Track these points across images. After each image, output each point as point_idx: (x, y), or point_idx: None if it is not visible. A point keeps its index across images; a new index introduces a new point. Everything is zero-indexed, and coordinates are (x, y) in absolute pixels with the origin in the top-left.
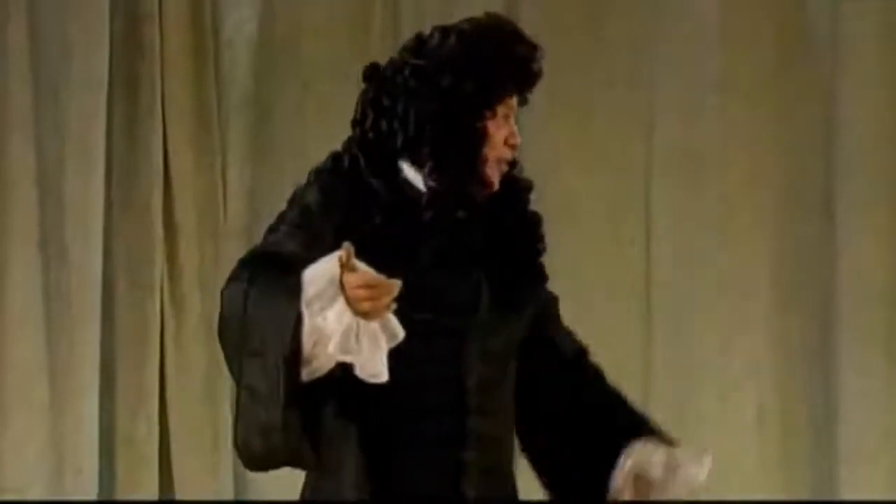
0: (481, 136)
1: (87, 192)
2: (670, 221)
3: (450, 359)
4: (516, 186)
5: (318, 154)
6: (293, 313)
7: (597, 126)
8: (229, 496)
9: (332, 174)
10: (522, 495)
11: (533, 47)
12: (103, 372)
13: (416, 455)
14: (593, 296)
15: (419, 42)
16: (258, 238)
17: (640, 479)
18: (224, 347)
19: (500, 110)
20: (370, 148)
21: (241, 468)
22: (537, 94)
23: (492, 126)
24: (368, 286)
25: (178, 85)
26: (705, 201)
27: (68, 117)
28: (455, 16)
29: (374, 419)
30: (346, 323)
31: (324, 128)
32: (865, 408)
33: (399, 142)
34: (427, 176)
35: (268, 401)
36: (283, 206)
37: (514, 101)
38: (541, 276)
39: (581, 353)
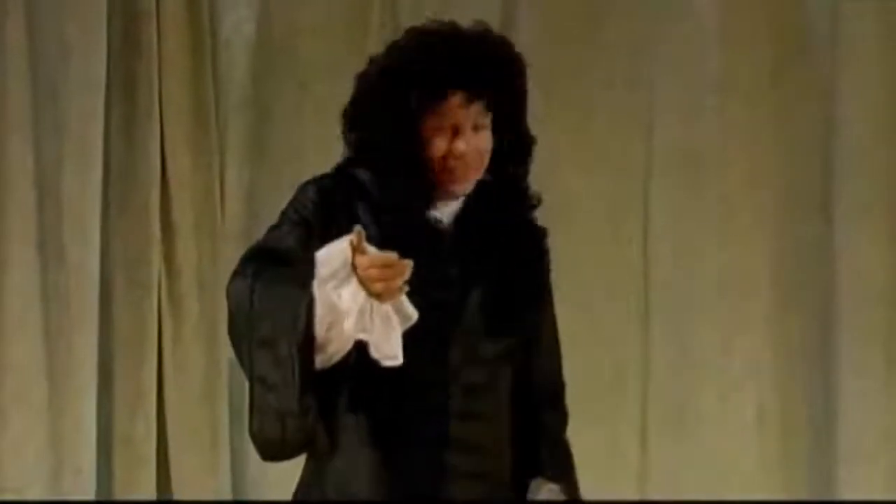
0: (417, 141)
1: (84, 193)
2: (670, 221)
3: (433, 361)
4: (522, 199)
5: (317, 154)
6: (305, 299)
7: (596, 126)
8: (227, 496)
9: (331, 174)
10: None
11: (466, 47)
12: (101, 372)
13: (403, 456)
14: (593, 296)
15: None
16: (256, 238)
17: None
18: (233, 342)
19: (446, 117)
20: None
21: (240, 468)
22: (536, 95)
23: (431, 131)
24: (380, 266)
25: (175, 85)
26: (705, 201)
27: (66, 118)
28: (454, 15)
29: (372, 415)
30: (361, 302)
31: (322, 128)
32: (865, 408)
33: (353, 148)
34: (372, 183)
35: (282, 389)
36: (281, 206)
37: (461, 105)
38: (540, 295)
39: (547, 398)
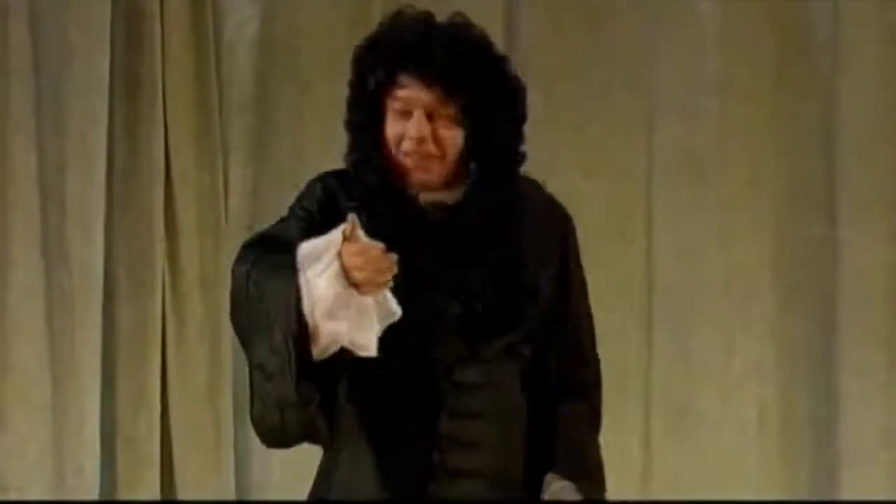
0: (376, 123)
1: (88, 193)
2: (671, 222)
3: (423, 360)
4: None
5: (319, 153)
6: (294, 287)
7: (597, 129)
8: (231, 496)
9: (338, 171)
10: None
11: (416, 31)
12: (105, 371)
13: (394, 454)
14: (595, 296)
15: None
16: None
17: None
18: (234, 328)
19: (399, 101)
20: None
21: (243, 468)
22: (537, 97)
23: (390, 114)
24: (364, 256)
25: (179, 85)
26: (706, 202)
27: (70, 118)
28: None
29: (365, 413)
30: (338, 290)
31: (324, 128)
32: (866, 408)
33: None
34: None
35: (280, 377)
36: (284, 205)
37: (412, 89)
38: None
39: (569, 388)
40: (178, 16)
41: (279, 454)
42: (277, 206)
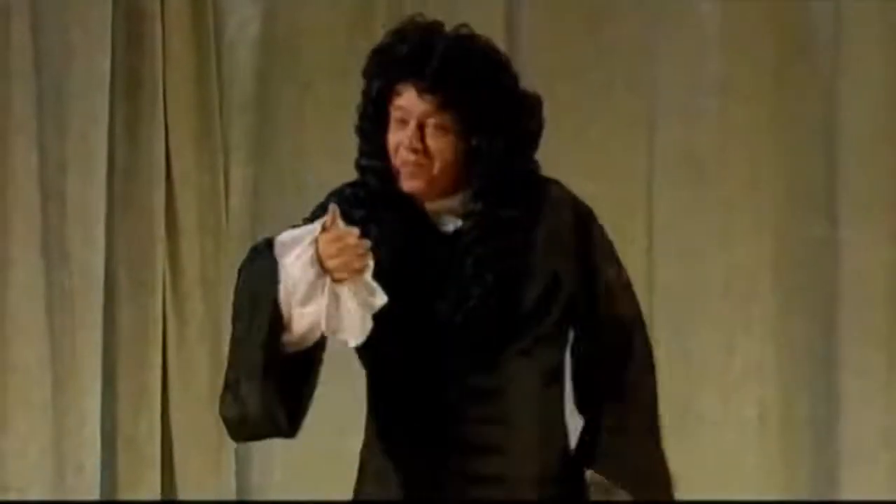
0: (379, 131)
1: (89, 193)
2: (672, 223)
3: (434, 367)
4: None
5: (321, 154)
6: (269, 272)
7: (598, 129)
8: (231, 496)
9: (355, 182)
10: None
11: (415, 40)
12: (105, 371)
13: (408, 459)
14: None
15: None
16: (260, 238)
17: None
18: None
19: (398, 109)
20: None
21: (244, 468)
22: None
23: (391, 125)
24: (334, 242)
25: (180, 85)
26: (707, 203)
27: (71, 118)
28: (457, 18)
29: (382, 418)
30: (309, 278)
31: (326, 128)
32: (866, 408)
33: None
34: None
35: (248, 344)
36: (285, 205)
37: (409, 98)
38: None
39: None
40: (178, 16)
41: (280, 455)
42: (278, 207)
